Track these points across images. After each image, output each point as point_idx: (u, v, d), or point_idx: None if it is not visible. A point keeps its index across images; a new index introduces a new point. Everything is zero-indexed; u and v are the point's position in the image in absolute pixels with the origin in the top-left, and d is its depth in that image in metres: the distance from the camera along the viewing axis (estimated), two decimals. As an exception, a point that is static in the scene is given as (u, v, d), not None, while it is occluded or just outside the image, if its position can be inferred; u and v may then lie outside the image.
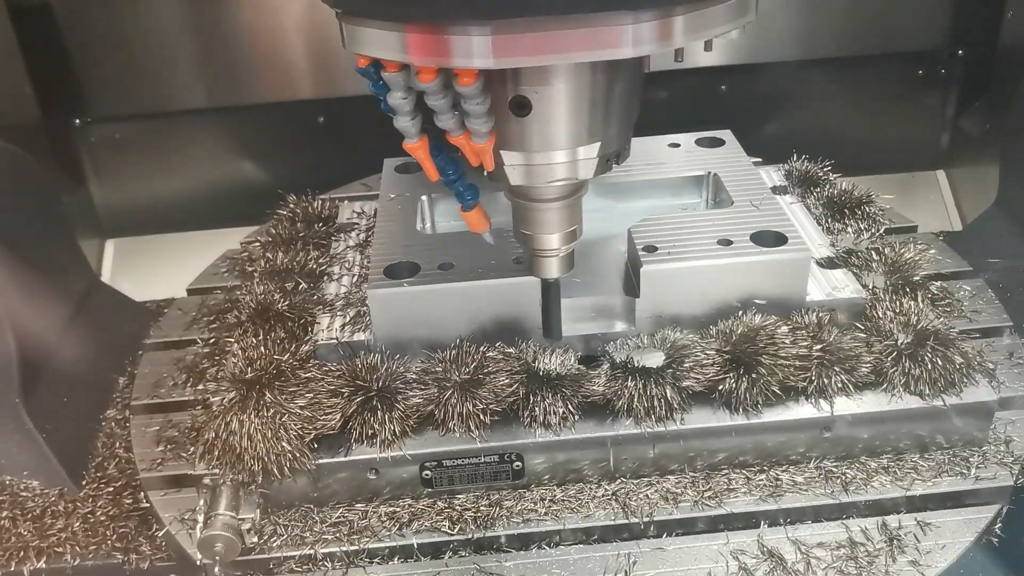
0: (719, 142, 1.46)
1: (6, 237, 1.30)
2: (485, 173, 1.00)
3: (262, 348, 1.15)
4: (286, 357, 1.13)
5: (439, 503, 1.10)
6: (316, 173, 1.68)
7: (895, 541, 1.04)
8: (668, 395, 1.07)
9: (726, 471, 1.12)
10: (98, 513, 1.20)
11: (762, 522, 1.07)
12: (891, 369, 1.11)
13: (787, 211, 1.30)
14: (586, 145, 0.97)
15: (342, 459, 1.08)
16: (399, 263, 1.18)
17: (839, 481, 1.09)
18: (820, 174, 1.47)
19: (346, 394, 1.09)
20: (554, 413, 1.08)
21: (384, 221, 1.30)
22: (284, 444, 1.05)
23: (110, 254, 1.93)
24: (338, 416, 1.08)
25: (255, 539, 1.06)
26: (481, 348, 1.13)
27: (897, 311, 1.17)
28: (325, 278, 1.32)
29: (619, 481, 1.11)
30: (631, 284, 1.19)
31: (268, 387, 1.08)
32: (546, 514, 1.08)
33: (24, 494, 1.23)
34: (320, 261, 1.36)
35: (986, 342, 1.28)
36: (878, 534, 1.05)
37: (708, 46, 0.92)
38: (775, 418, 1.09)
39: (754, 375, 1.08)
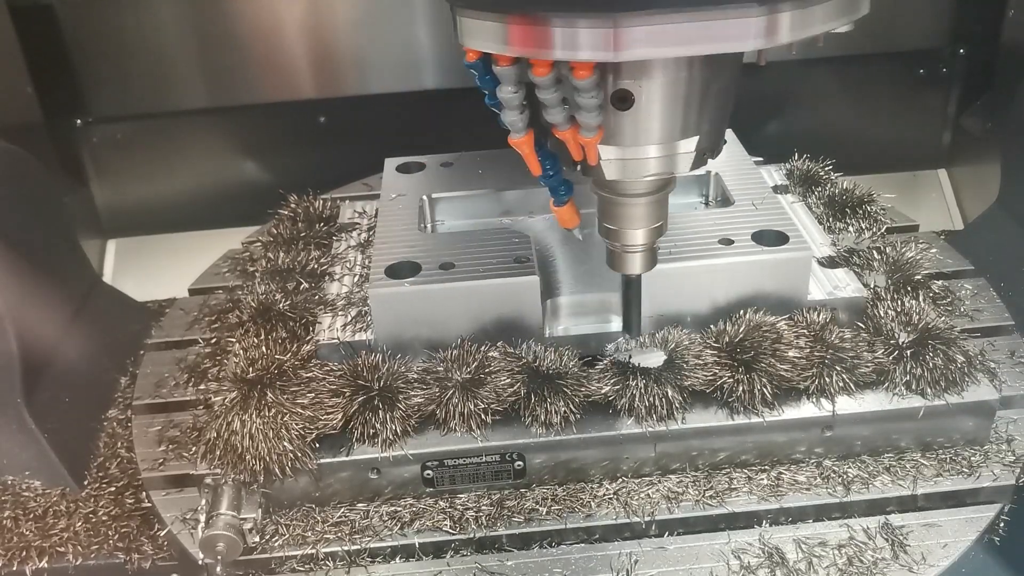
0: (720, 141, 1.46)
1: (8, 237, 1.30)
2: (577, 168, 0.98)
3: (264, 348, 1.15)
4: (288, 357, 1.13)
5: (441, 502, 1.10)
6: (317, 173, 1.68)
7: (896, 540, 1.04)
8: (669, 394, 1.07)
9: (727, 470, 1.12)
10: (100, 513, 1.20)
11: (764, 521, 1.07)
12: (892, 368, 1.11)
13: (788, 210, 1.30)
14: (684, 139, 0.95)
15: (344, 459, 1.08)
16: (400, 263, 1.18)
17: (840, 480, 1.09)
18: (821, 173, 1.47)
19: (348, 394, 1.09)
20: (555, 413, 1.08)
21: (385, 221, 1.30)
22: (286, 444, 1.05)
23: (112, 254, 1.93)
24: (340, 416, 1.08)
25: (257, 539, 1.06)
26: (482, 347, 1.13)
27: (898, 310, 1.17)
28: (326, 278, 1.32)
29: (620, 480, 1.11)
30: (632, 283, 1.19)
31: (270, 387, 1.08)
32: (547, 513, 1.08)
33: (26, 494, 1.23)
34: (321, 261, 1.36)
35: (988, 341, 1.28)
36: (879, 533, 1.05)
37: (820, 40, 0.91)
38: (776, 417, 1.09)
39: (755, 374, 1.08)
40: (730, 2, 0.79)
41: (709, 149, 0.99)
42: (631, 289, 1.14)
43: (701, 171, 1.38)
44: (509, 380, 1.09)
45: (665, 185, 1.02)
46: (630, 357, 1.10)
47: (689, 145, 0.96)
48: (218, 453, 1.07)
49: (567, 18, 0.80)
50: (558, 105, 0.90)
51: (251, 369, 1.11)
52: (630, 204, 1.02)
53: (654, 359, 1.10)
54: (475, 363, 1.10)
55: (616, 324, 1.19)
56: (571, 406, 1.08)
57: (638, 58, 0.83)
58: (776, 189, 1.44)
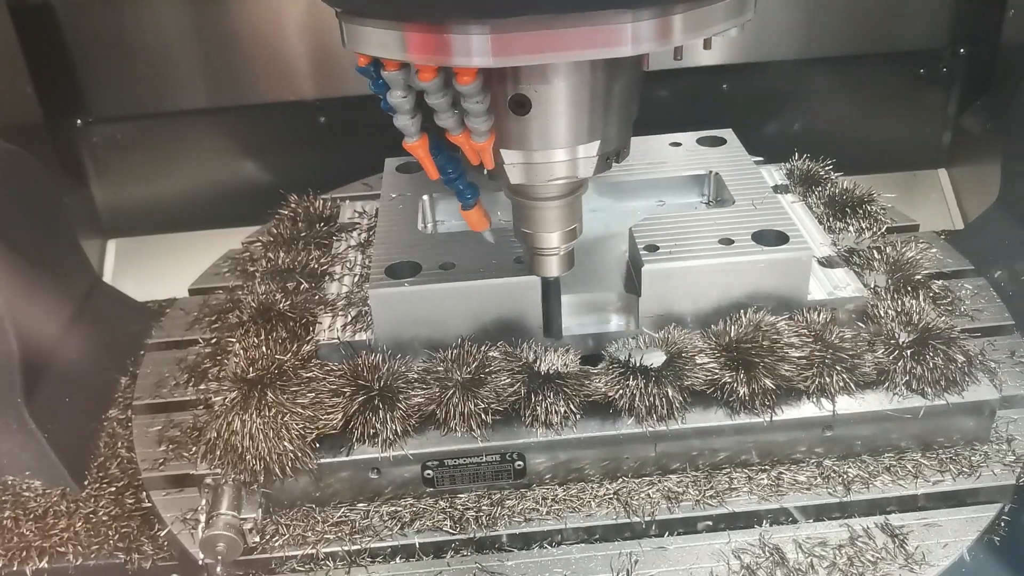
0: (720, 141, 1.46)
1: (8, 237, 1.30)
2: (485, 172, 1.00)
3: (264, 348, 1.15)
4: (288, 357, 1.13)
5: (441, 502, 1.10)
6: (317, 173, 1.68)
7: (897, 540, 1.04)
8: (669, 394, 1.07)
9: (728, 470, 1.12)
10: (100, 513, 1.20)
11: (764, 521, 1.07)
12: (892, 368, 1.11)
13: (788, 210, 1.30)
14: (585, 144, 0.97)
15: (344, 458, 1.08)
16: (400, 263, 1.18)
17: (841, 480, 1.09)
18: (821, 173, 1.47)
19: (348, 393, 1.09)
20: (555, 412, 1.08)
21: (385, 221, 1.30)
22: (286, 444, 1.05)
23: (112, 254, 1.93)
24: (340, 415, 1.08)
25: (257, 539, 1.06)
26: (482, 347, 1.13)
27: (899, 310, 1.17)
28: (326, 278, 1.32)
29: (621, 480, 1.11)
30: (632, 283, 1.19)
31: (270, 387, 1.08)
32: (548, 513, 1.08)
33: (26, 494, 1.23)
34: (321, 261, 1.36)
35: (988, 341, 1.28)
36: (880, 533, 1.05)
37: (708, 44, 0.93)
38: (776, 417, 1.09)
39: (755, 374, 1.08)
40: (598, 8, 0.79)
41: (613, 153, 1.00)
42: (551, 292, 1.14)
43: (701, 170, 1.38)
44: (509, 380, 1.09)
45: (575, 188, 1.03)
46: (630, 357, 1.10)
47: (591, 149, 0.98)
48: (218, 453, 1.07)
49: (445, 24, 0.82)
50: (448, 110, 0.90)
51: (251, 369, 1.11)
52: (542, 207, 1.04)
53: (654, 359, 1.10)
54: (475, 363, 1.10)
55: (617, 323, 1.19)
56: (571, 406, 1.08)
57: (516, 64, 0.85)
58: (776, 189, 1.44)
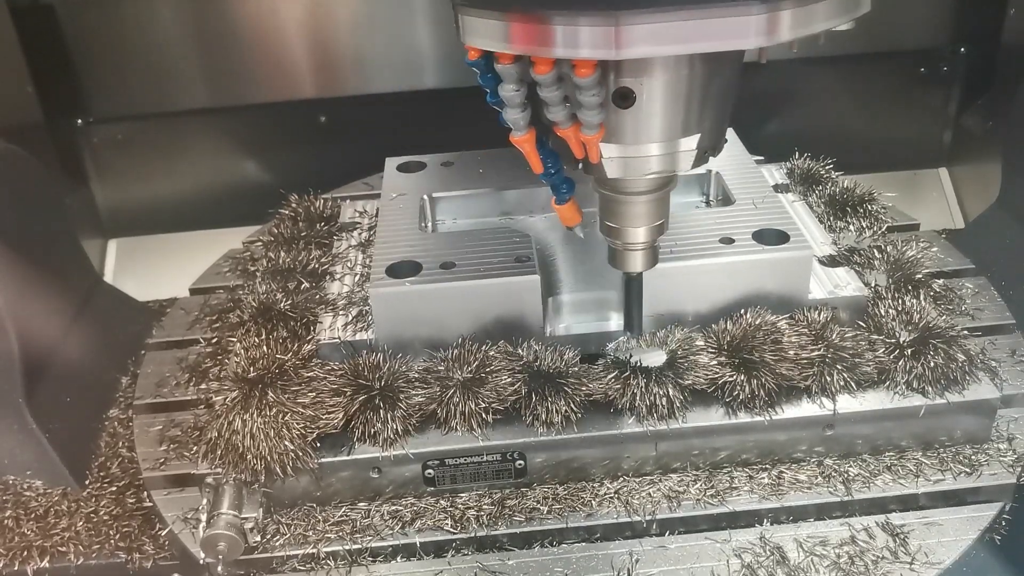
0: (721, 140, 1.46)
1: (9, 237, 1.30)
2: (579, 166, 0.98)
3: (264, 347, 1.15)
4: (288, 356, 1.13)
5: (442, 502, 1.10)
6: (318, 172, 1.68)
7: (897, 539, 1.04)
8: (670, 393, 1.07)
9: (728, 469, 1.12)
10: (101, 512, 1.20)
11: (765, 520, 1.07)
12: (893, 367, 1.11)
13: (789, 209, 1.30)
14: (686, 137, 0.95)
15: (345, 458, 1.08)
16: (401, 262, 1.18)
17: (841, 479, 1.09)
18: (822, 172, 1.47)
19: (348, 393, 1.09)
20: (556, 412, 1.08)
21: (386, 220, 1.30)
22: (287, 443, 1.05)
23: (112, 254, 1.93)
24: (340, 415, 1.08)
25: (258, 538, 1.06)
26: (483, 347, 1.13)
27: (899, 309, 1.17)
28: (327, 277, 1.32)
29: (622, 479, 1.11)
30: (633, 283, 1.19)
31: (271, 386, 1.08)
32: (549, 512, 1.08)
33: (27, 493, 1.23)
34: (322, 260, 1.36)
35: (989, 339, 1.28)
36: (881, 532, 1.05)
37: (821, 38, 0.91)
38: (777, 416, 1.09)
39: (756, 373, 1.08)
40: (731, 0, 0.79)
41: (711, 147, 0.99)
42: (632, 287, 1.14)
43: (701, 170, 1.37)
44: (510, 379, 1.09)
45: (666, 183, 1.02)
46: (631, 356, 1.10)
47: (690, 143, 0.96)
48: (219, 452, 1.07)
49: (568, 16, 0.80)
50: (559, 103, 0.90)
51: (252, 368, 1.11)
52: (631, 202, 1.02)
53: (655, 358, 1.10)
54: (476, 362, 1.10)
55: (617, 323, 1.19)
56: (572, 405, 1.08)
57: (639, 56, 0.83)
58: (777, 188, 1.44)
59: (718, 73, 0.93)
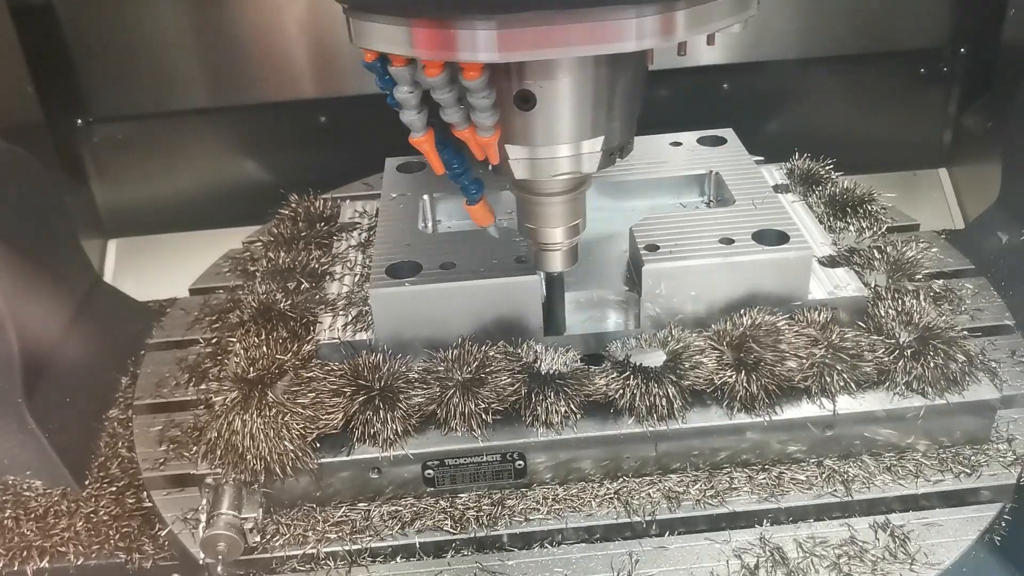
0: (721, 141, 1.46)
1: (9, 237, 1.30)
2: (490, 167, 1.00)
3: (264, 348, 1.15)
4: (288, 356, 1.13)
5: (441, 502, 1.10)
6: (318, 172, 1.68)
7: (897, 539, 1.04)
8: (670, 394, 1.07)
9: (728, 470, 1.12)
10: (101, 513, 1.20)
11: (764, 521, 1.07)
12: (893, 368, 1.11)
13: (789, 209, 1.30)
14: (590, 139, 0.97)
15: (344, 458, 1.08)
16: (401, 262, 1.18)
17: (841, 480, 1.09)
18: (822, 172, 1.47)
19: (348, 393, 1.09)
20: (556, 412, 1.08)
21: (386, 220, 1.30)
22: (286, 443, 1.05)
23: (112, 254, 1.93)
24: (340, 415, 1.08)
25: (257, 538, 1.06)
26: (483, 347, 1.13)
27: (899, 309, 1.17)
28: (327, 277, 1.32)
29: (621, 480, 1.11)
30: (633, 283, 1.19)
31: (270, 386, 1.08)
32: (548, 513, 1.08)
33: (27, 494, 1.23)
34: (322, 260, 1.36)
35: (988, 340, 1.28)
36: (880, 532, 1.05)
37: (711, 40, 0.93)
38: (777, 417, 1.09)
39: (756, 374, 1.08)
40: (603, 4, 0.80)
41: (617, 148, 1.00)
42: (554, 287, 1.14)
43: (701, 170, 1.38)
44: (510, 380, 1.09)
45: (580, 184, 1.04)
46: (631, 356, 1.10)
47: (595, 145, 0.98)
48: (219, 453, 1.07)
49: (452, 19, 0.82)
50: (454, 105, 0.91)
51: (252, 369, 1.11)
52: (546, 203, 1.04)
53: (655, 359, 1.10)
54: (476, 363, 1.10)
55: (617, 323, 1.19)
56: (572, 406, 1.08)
57: (522, 59, 0.86)
58: (777, 188, 1.44)
59: (620, 75, 0.94)
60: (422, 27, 0.84)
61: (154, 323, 1.47)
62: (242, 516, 1.05)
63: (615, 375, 1.09)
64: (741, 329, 1.12)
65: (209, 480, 1.08)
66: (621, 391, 1.08)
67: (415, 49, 0.86)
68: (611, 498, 1.09)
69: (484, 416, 1.08)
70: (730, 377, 1.09)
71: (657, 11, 0.83)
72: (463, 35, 0.83)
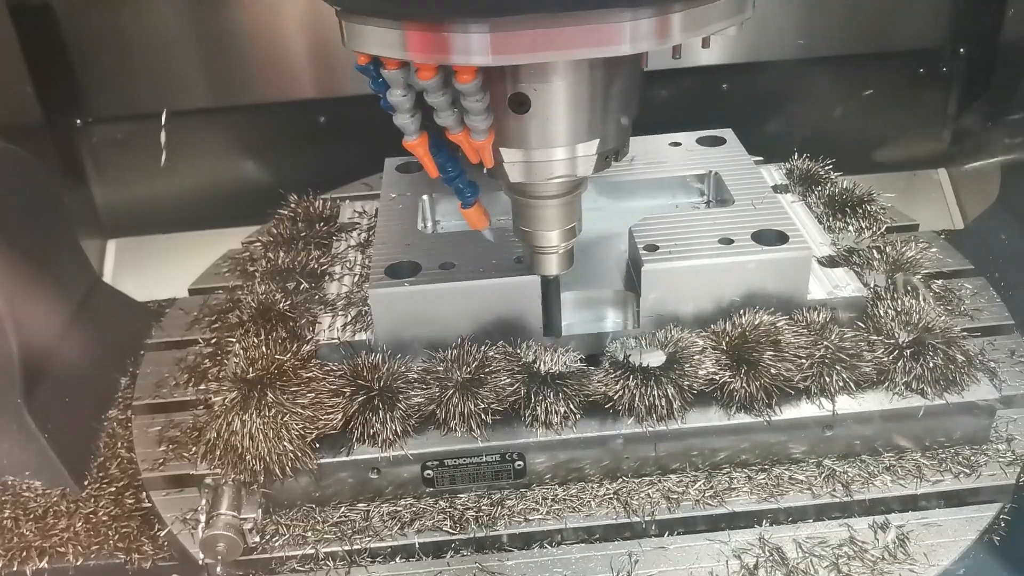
0: (720, 141, 1.46)
1: (8, 237, 1.30)
2: (484, 171, 1.00)
3: (264, 348, 1.15)
4: (288, 357, 1.13)
5: (441, 502, 1.10)
6: (317, 173, 1.68)
7: (897, 540, 1.04)
8: (669, 394, 1.07)
9: (727, 470, 1.12)
10: (100, 513, 1.20)
11: (764, 521, 1.07)
12: (892, 368, 1.11)
13: (788, 210, 1.30)
14: (585, 142, 0.97)
15: (344, 459, 1.08)
16: (400, 262, 1.18)
17: (840, 480, 1.09)
18: (821, 173, 1.47)
19: (348, 393, 1.09)
20: (555, 412, 1.08)
21: (385, 220, 1.30)
22: (286, 444, 1.05)
23: (112, 254, 1.93)
24: (340, 416, 1.08)
25: (257, 539, 1.06)
26: (482, 347, 1.13)
27: (898, 310, 1.17)
28: (326, 278, 1.32)
29: (621, 480, 1.11)
30: (632, 283, 1.19)
31: (270, 387, 1.08)
32: (548, 513, 1.08)
33: (26, 494, 1.23)
34: (321, 261, 1.36)
35: (988, 340, 1.28)
36: (880, 533, 1.05)
37: (706, 43, 0.93)
38: (776, 417, 1.09)
39: (755, 374, 1.08)
40: (597, 7, 0.79)
41: (613, 151, 1.00)
42: (550, 291, 1.14)
43: (701, 170, 1.38)
44: (509, 380, 1.09)
45: (575, 187, 1.04)
46: (630, 357, 1.10)
47: (590, 148, 0.98)
48: (218, 453, 1.07)
49: (445, 23, 0.82)
50: (447, 108, 0.90)
51: (251, 369, 1.11)
52: (541, 206, 1.04)
53: (654, 359, 1.10)
54: (475, 363, 1.10)
55: (616, 323, 1.19)
56: (571, 406, 1.08)
57: (513, 62, 0.85)
58: (776, 188, 1.44)
59: (614, 78, 0.94)
60: (415, 30, 0.84)
61: (153, 323, 1.47)
62: (241, 516, 1.05)
63: (614, 375, 1.09)
64: (740, 329, 1.12)
65: (208, 480, 1.08)
66: (620, 391, 1.08)
67: (408, 52, 0.85)
68: (610, 498, 1.09)
69: (483, 416, 1.08)
70: (729, 377, 1.09)
71: (652, 14, 0.83)
72: (456, 38, 0.83)
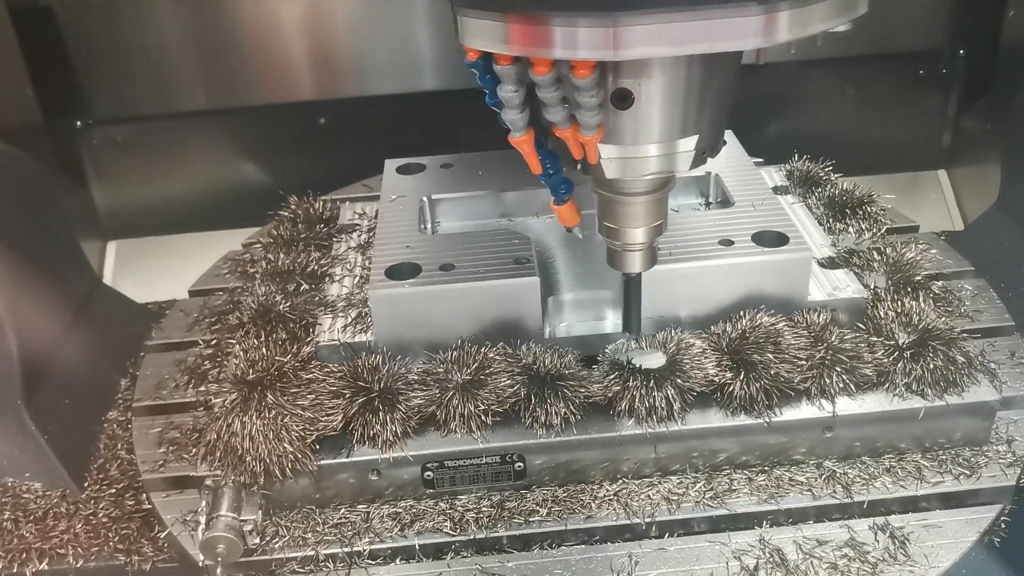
0: (720, 142, 1.46)
1: (8, 239, 1.30)
2: (578, 167, 0.99)
3: (264, 349, 1.15)
4: (288, 358, 1.13)
5: (441, 504, 1.10)
6: (317, 174, 1.68)
7: (897, 541, 1.04)
8: (669, 395, 1.07)
9: (728, 471, 1.12)
10: (100, 515, 1.20)
11: (764, 522, 1.07)
12: (892, 369, 1.11)
13: (788, 211, 1.30)
14: (684, 138, 0.96)
15: (344, 460, 1.08)
16: (400, 264, 1.18)
17: (841, 481, 1.09)
18: (821, 174, 1.47)
19: (348, 395, 1.09)
20: (556, 414, 1.08)
21: (385, 222, 1.30)
22: (286, 445, 1.05)
23: (112, 256, 1.93)
24: (340, 417, 1.08)
25: (257, 540, 1.06)
26: (482, 349, 1.13)
27: (899, 311, 1.17)
28: (326, 279, 1.32)
29: (621, 482, 1.11)
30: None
31: (270, 388, 1.08)
32: (548, 515, 1.08)
33: (26, 496, 1.23)
34: (321, 262, 1.36)
35: (988, 342, 1.28)
36: (880, 534, 1.05)
37: (819, 39, 0.91)
38: (776, 418, 1.09)
39: (755, 375, 1.08)
40: (729, 1, 0.79)
41: (709, 148, 0.99)
42: (631, 288, 1.14)
43: (701, 172, 1.38)
44: (509, 381, 1.09)
45: (665, 184, 1.02)
46: (630, 358, 1.10)
47: (689, 144, 0.96)
48: (218, 455, 1.07)
49: (567, 17, 0.81)
50: (558, 104, 0.90)
51: (251, 371, 1.11)
52: (630, 203, 1.02)
53: (654, 360, 1.09)
54: (475, 364, 1.10)
55: (616, 324, 1.19)
56: (571, 407, 1.08)
57: (637, 57, 0.83)
58: (776, 190, 1.44)
59: (716, 74, 0.93)
60: (536, 25, 0.82)
61: (153, 325, 1.47)
62: (241, 518, 1.05)
63: (615, 377, 1.09)
64: (740, 331, 1.12)
65: (208, 482, 1.08)
66: (621, 393, 1.08)
67: (526, 48, 0.84)
68: (611, 500, 1.09)
69: (483, 418, 1.08)
70: (730, 379, 1.09)
71: (784, 8, 0.81)
72: (580, 33, 0.81)
